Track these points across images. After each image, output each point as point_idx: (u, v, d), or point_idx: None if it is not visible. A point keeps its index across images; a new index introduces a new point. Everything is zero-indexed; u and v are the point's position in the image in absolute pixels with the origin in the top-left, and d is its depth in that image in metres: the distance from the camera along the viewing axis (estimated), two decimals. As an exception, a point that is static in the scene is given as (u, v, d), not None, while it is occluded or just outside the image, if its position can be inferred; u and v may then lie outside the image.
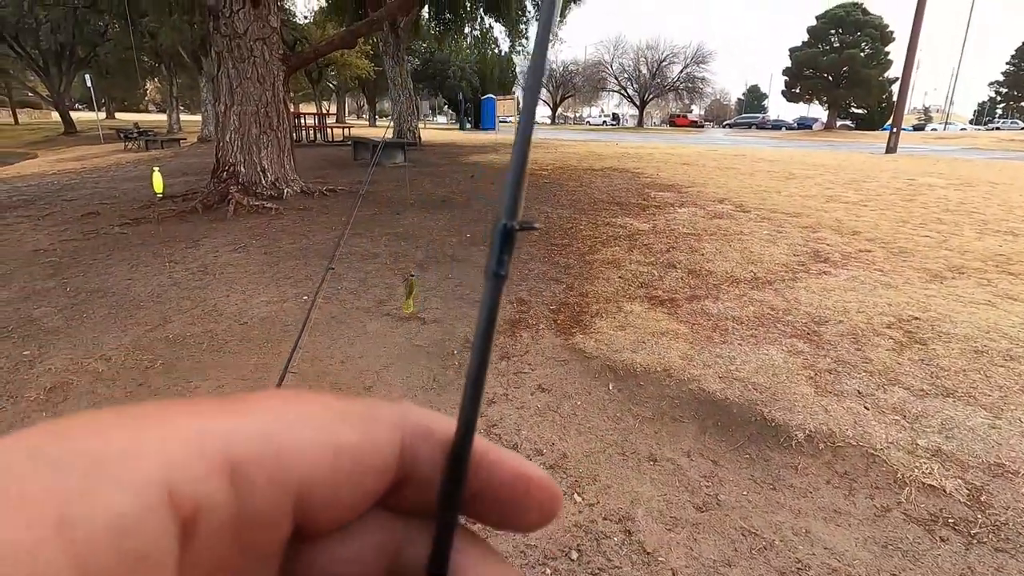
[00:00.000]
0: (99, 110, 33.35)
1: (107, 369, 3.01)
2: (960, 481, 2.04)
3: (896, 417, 2.41)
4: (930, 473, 2.08)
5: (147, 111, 60.53)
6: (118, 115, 44.62)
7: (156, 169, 3.88)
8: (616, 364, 2.98)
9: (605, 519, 1.95)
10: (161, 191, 3.88)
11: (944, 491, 2.00)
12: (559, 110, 58.71)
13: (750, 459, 2.24)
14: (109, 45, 23.43)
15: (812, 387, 2.66)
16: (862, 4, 40.00)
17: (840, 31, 40.39)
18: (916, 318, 3.39)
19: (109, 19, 19.88)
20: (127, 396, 2.81)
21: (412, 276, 1.53)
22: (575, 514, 1.97)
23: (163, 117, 31.79)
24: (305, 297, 3.86)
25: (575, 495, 2.07)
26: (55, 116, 27.73)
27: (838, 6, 40.68)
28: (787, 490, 2.07)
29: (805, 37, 43.07)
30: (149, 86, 48.79)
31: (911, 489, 2.02)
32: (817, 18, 41.92)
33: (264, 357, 3.18)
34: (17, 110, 39.09)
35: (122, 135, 19.60)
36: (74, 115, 28.38)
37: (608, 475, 2.18)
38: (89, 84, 23.83)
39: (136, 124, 22.95)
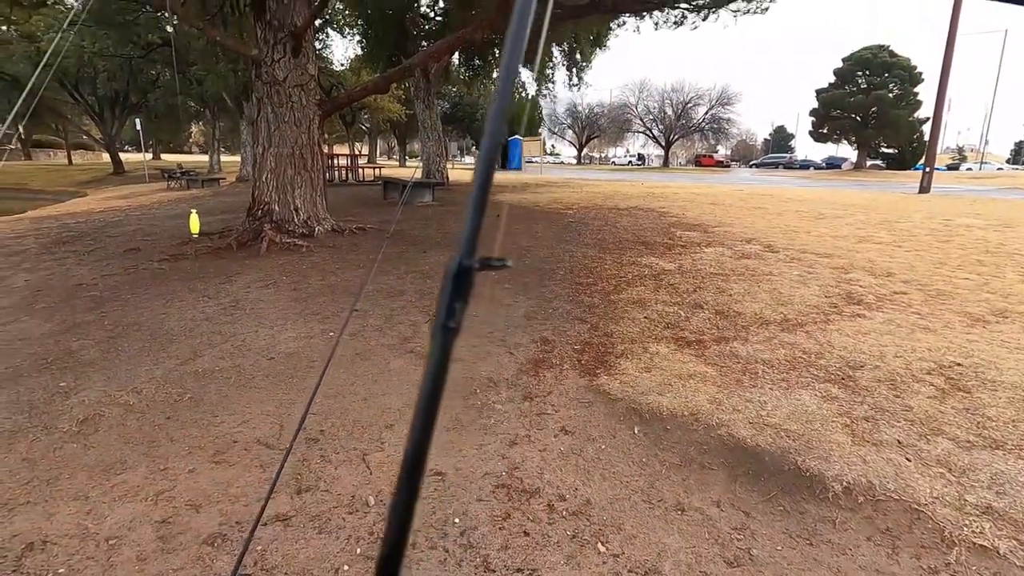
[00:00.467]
0: (146, 151, 35.22)
1: (138, 402, 3.07)
2: (1015, 542, 1.90)
3: (941, 470, 2.28)
4: (981, 532, 1.94)
5: (190, 152, 63.64)
6: (163, 156, 46.98)
7: (194, 211, 4.05)
8: (642, 407, 2.91)
9: (630, 572, 1.86)
10: (197, 231, 4.04)
11: (997, 552, 1.86)
12: (585, 150, 59.61)
13: (784, 511, 2.14)
14: (159, 92, 24.87)
15: (849, 435, 2.55)
16: (888, 47, 40.06)
17: (867, 72, 40.39)
18: (958, 364, 3.24)
19: (161, 68, 21.18)
20: (155, 429, 2.86)
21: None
22: (599, 565, 1.89)
23: (205, 158, 33.36)
24: (331, 333, 3.91)
25: (599, 544, 1.99)
26: (106, 157, 29.35)
27: (864, 48, 40.82)
28: (825, 546, 1.95)
29: (831, 79, 43.20)
30: (193, 129, 51.43)
31: (960, 550, 1.89)
32: (843, 60, 42.07)
33: (289, 392, 3.21)
34: (72, 151, 41.54)
35: (166, 175, 20.64)
36: (123, 156, 29.96)
37: (633, 524, 2.09)
38: (139, 128, 25.27)
39: (179, 165, 24.13)
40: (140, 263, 6.04)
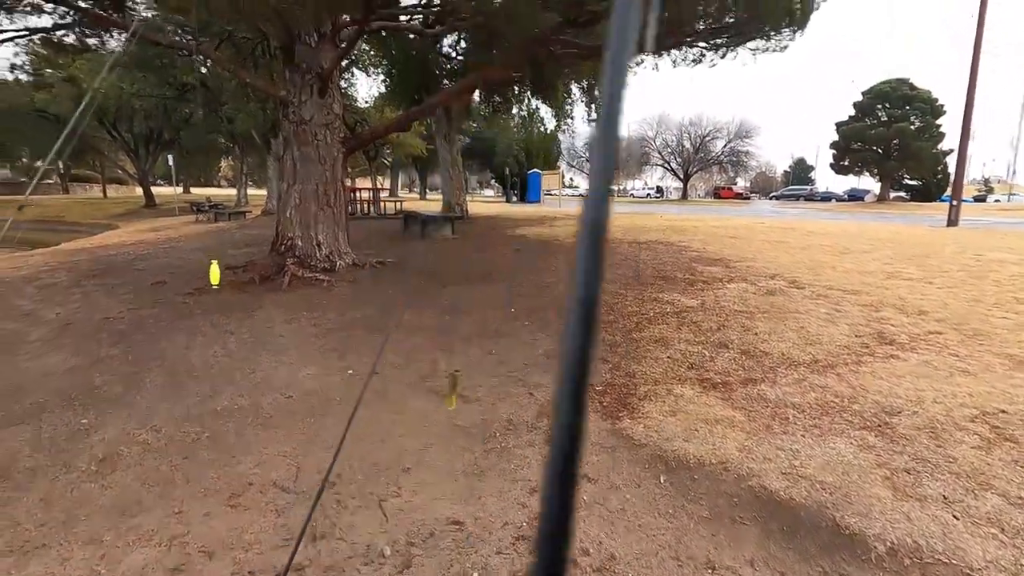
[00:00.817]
0: (177, 185, 36.47)
1: (156, 440, 3.06)
2: (1082, 616, 1.74)
3: (993, 530, 2.13)
4: (1043, 604, 1.79)
5: (219, 185, 65.72)
6: (193, 189, 48.56)
7: (215, 262, 4.13)
8: (667, 454, 2.80)
9: (659, 639, 1.75)
10: (217, 283, 4.11)
11: (1063, 628, 1.71)
12: (603, 183, 59.89)
13: (823, 573, 2.00)
14: (191, 129, 25.87)
15: (889, 489, 2.41)
16: (909, 80, 40.00)
17: (887, 105, 40.27)
18: (1003, 411, 3.07)
19: (194, 107, 22.08)
20: (172, 469, 2.83)
21: (457, 372, 1.49)
22: (625, 630, 1.78)
23: (233, 191, 34.41)
24: (350, 371, 3.89)
25: (625, 607, 1.89)
26: (138, 191, 30.43)
27: (883, 82, 40.81)
28: (870, 615, 1.82)
29: (851, 112, 43.15)
30: (223, 163, 53.21)
31: (1021, 623, 1.74)
32: (863, 94, 42.07)
33: (307, 432, 3.17)
34: (106, 185, 43.18)
35: (195, 208, 21.28)
36: (154, 190, 31.03)
37: (661, 584, 1.98)
38: (171, 163, 26.22)
39: (208, 198, 24.88)
40: (166, 297, 6.14)
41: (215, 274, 4.05)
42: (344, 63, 11.29)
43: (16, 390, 3.68)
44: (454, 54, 14.53)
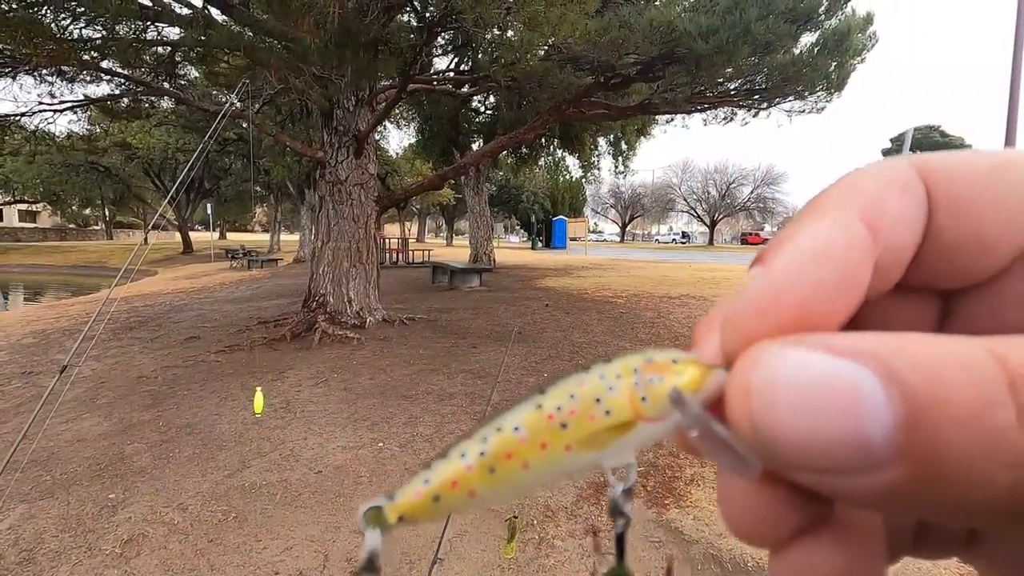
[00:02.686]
0: (214, 230, 37.89)
1: (182, 520, 2.96)
2: None
3: None
4: None
5: (253, 231, 68.09)
6: (229, 235, 50.37)
7: (259, 389, 4.18)
8: (721, 553, 2.58)
9: None
10: (260, 411, 4.16)
11: None
12: (628, 228, 60.25)
13: None
14: (230, 179, 27.05)
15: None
16: (940, 127, 39.74)
17: (918, 152, 39.97)
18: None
19: (233, 158, 23.14)
20: (197, 554, 2.72)
21: (515, 517, 1.37)
22: None
23: (266, 236, 35.54)
24: (381, 444, 3.77)
25: None
26: (177, 237, 31.67)
27: (914, 129, 40.63)
28: None
29: (879, 157, 42.82)
30: (258, 210, 55.26)
31: None
32: (892, 140, 41.87)
33: (335, 515, 3.04)
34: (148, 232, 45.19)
35: (229, 254, 21.99)
36: (192, 235, 32.24)
37: None
38: (209, 211, 27.28)
39: (242, 245, 25.70)
40: (198, 354, 6.18)
41: (259, 404, 4.11)
42: (378, 120, 11.68)
43: (48, 458, 3.66)
44: (483, 108, 14.99)
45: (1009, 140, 15.27)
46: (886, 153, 42.39)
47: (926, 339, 0.14)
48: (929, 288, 0.19)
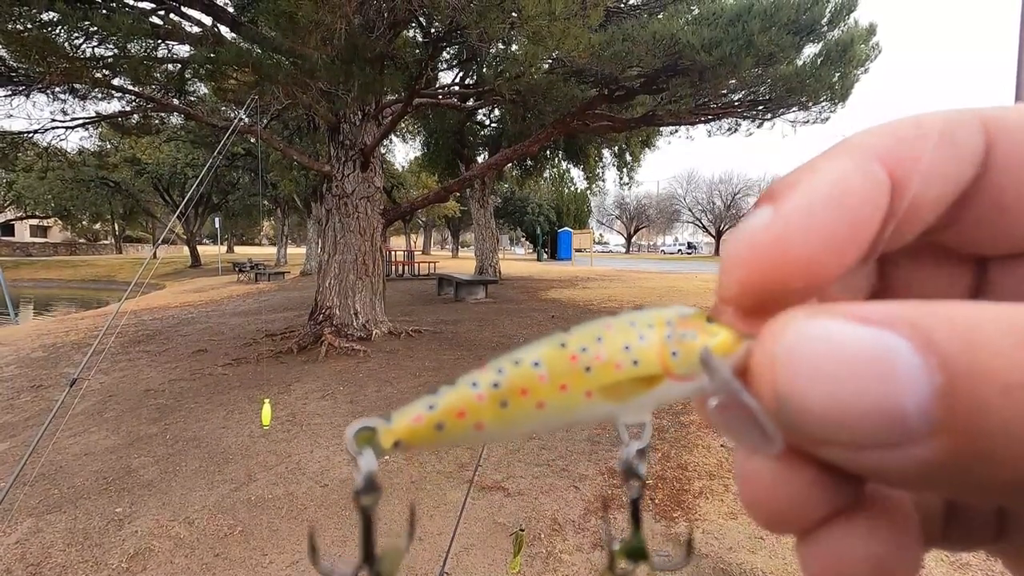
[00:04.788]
0: (221, 244, 38.21)
1: (188, 535, 2.96)
2: None
3: None
4: None
5: (261, 244, 68.59)
6: (236, 248, 50.73)
7: (267, 401, 4.18)
8: (731, 568, 2.54)
9: None
10: (267, 424, 4.16)
11: None
12: (633, 239, 60.24)
13: None
14: (238, 193, 27.33)
15: (998, 627, 2.10)
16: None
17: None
18: None
19: (240, 173, 23.40)
20: (203, 568, 2.71)
21: (521, 531, 1.36)
22: None
23: (273, 250, 35.80)
24: (387, 457, 3.74)
25: None
26: (185, 251, 31.96)
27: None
28: None
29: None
30: (264, 224, 55.72)
31: None
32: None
33: (341, 528, 3.02)
34: (157, 247, 45.66)
35: (236, 268, 22.14)
36: (200, 248, 32.53)
37: None
38: (217, 225, 27.52)
39: (250, 259, 25.87)
40: (206, 367, 6.20)
41: (267, 416, 4.11)
42: (384, 134, 11.79)
43: (56, 472, 3.67)
44: (488, 122, 15.11)
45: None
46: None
47: (964, 305, 0.13)
48: (966, 253, 0.18)
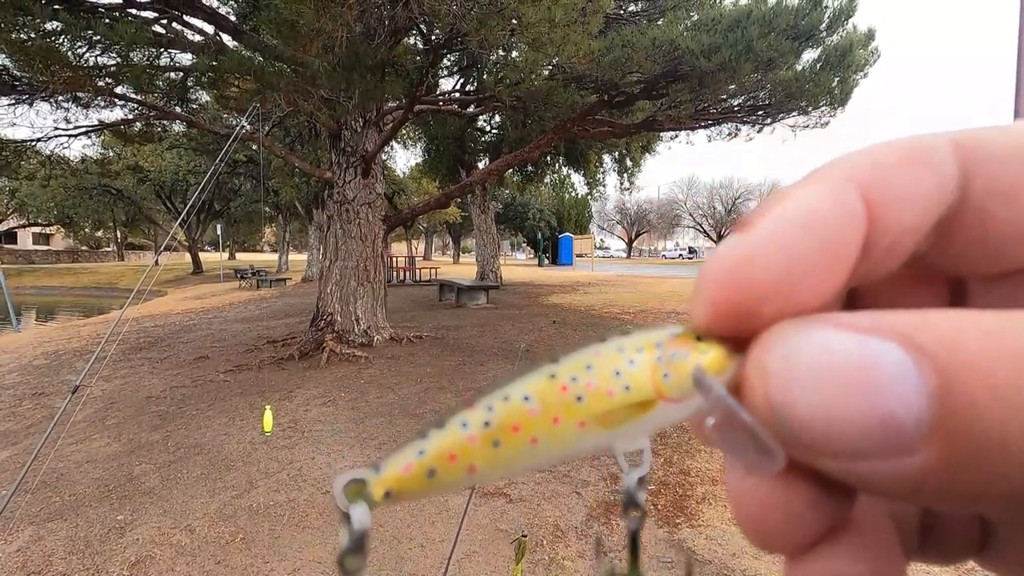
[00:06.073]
0: (223, 251, 38.30)
1: (190, 542, 2.95)
2: None
3: None
4: None
5: (262, 251, 68.74)
6: (238, 255, 50.84)
7: (269, 407, 4.19)
8: (735, 573, 2.53)
9: None
10: (269, 430, 4.17)
11: None
12: (635, 244, 60.28)
13: None
14: (239, 200, 27.42)
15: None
16: (944, 139, 39.74)
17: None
18: None
19: (242, 180, 23.48)
20: (204, 575, 2.70)
21: (524, 537, 1.35)
22: None
23: (275, 256, 35.88)
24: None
25: None
26: (187, 257, 32.03)
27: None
28: None
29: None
30: (266, 230, 55.86)
31: None
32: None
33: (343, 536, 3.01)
34: (160, 254, 45.74)
35: (238, 274, 22.19)
36: (201, 255, 32.57)
37: None
38: (219, 232, 27.61)
39: (251, 265, 25.92)
40: (207, 373, 6.20)
41: (268, 422, 4.12)
42: (385, 141, 11.83)
43: (57, 479, 3.67)
44: (489, 127, 15.16)
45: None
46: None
47: (949, 313, 0.13)
48: (945, 273, 0.18)
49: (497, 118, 13.65)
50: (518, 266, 34.18)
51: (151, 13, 5.91)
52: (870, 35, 5.80)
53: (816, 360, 0.13)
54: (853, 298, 0.19)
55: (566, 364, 0.17)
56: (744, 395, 0.15)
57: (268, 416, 4.12)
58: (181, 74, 6.61)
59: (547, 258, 35.30)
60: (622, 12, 8.00)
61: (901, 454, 0.12)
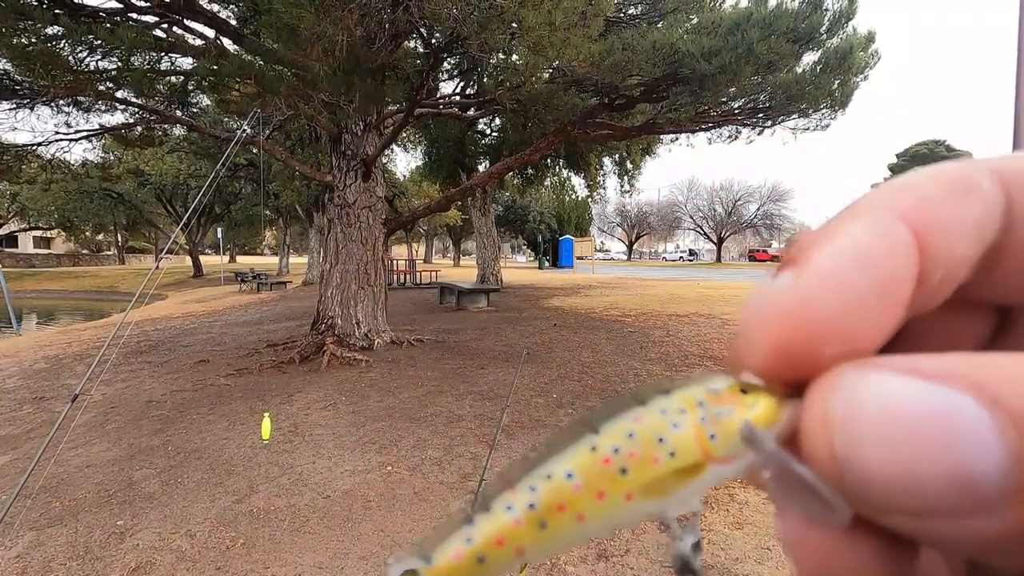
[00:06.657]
0: (223, 254, 38.33)
1: (190, 548, 2.94)
2: None
3: None
4: None
5: (263, 254, 68.79)
6: (239, 258, 50.87)
7: (267, 414, 4.19)
8: (738, 579, 2.51)
9: None
10: (268, 438, 4.16)
11: None
12: (635, 246, 60.27)
13: None
14: (240, 203, 27.45)
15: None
16: (945, 141, 39.72)
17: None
18: None
19: (243, 183, 23.52)
20: (204, 582, 2.69)
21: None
22: None
23: (275, 260, 35.91)
24: (389, 468, 3.74)
25: None
26: (188, 261, 32.04)
27: (919, 144, 40.64)
28: None
29: (887, 174, 42.79)
30: (267, 234, 55.91)
31: None
32: (897, 156, 41.86)
33: (343, 541, 3.00)
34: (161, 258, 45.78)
35: (239, 277, 22.20)
36: (202, 259, 32.58)
37: None
38: (219, 235, 27.62)
39: (252, 269, 25.93)
40: (208, 377, 6.20)
41: (266, 430, 4.11)
42: (386, 144, 11.84)
43: (58, 484, 3.66)
44: (489, 131, 15.18)
45: (1017, 148, 15.22)
46: (893, 168, 42.33)
47: (1017, 359, 0.12)
48: (988, 302, 0.17)
49: (497, 121, 13.67)
50: (518, 269, 34.18)
51: (152, 17, 5.92)
52: (870, 37, 5.80)
53: (882, 411, 0.13)
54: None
55: (606, 434, 0.17)
56: (802, 446, 0.14)
57: (266, 424, 4.10)
58: (182, 78, 6.62)
59: (548, 261, 35.30)
60: (622, 15, 8.01)
61: (980, 514, 0.11)
